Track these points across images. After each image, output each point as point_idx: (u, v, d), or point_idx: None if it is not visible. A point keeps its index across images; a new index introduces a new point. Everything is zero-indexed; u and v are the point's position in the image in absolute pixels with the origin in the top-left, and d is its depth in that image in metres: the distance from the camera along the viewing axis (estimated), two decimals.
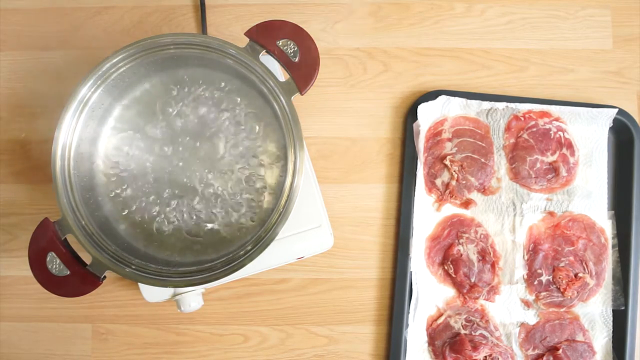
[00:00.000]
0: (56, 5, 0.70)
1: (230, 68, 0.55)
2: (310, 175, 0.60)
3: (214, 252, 0.55)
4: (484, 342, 0.62)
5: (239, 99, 0.57)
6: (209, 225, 0.56)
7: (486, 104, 0.66)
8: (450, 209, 0.66)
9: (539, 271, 0.64)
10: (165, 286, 0.52)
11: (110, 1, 0.70)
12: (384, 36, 0.69)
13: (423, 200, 0.66)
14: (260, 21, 0.53)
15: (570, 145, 0.66)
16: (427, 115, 0.66)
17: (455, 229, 0.65)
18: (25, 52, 0.70)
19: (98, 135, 0.56)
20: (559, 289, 0.64)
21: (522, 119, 0.66)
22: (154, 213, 0.56)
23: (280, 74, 0.60)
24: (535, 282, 0.64)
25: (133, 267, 0.52)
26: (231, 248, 0.54)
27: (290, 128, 0.52)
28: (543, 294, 0.64)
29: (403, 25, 0.70)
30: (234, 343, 0.66)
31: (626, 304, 0.63)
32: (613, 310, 0.64)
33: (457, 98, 0.66)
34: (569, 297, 0.64)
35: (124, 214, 0.56)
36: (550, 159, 0.66)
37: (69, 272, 0.50)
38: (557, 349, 0.63)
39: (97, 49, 0.69)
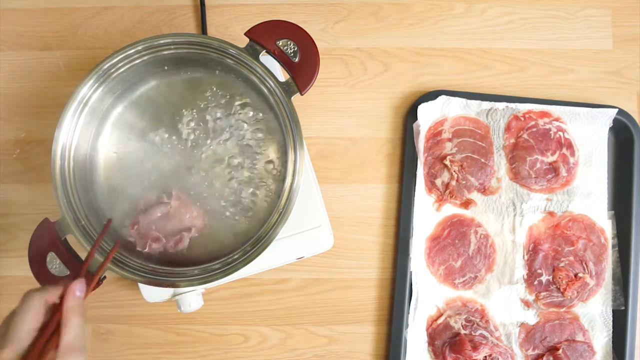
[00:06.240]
0: (56, 5, 0.70)
1: (230, 68, 0.55)
2: (310, 175, 0.60)
3: (214, 252, 0.55)
4: (484, 342, 0.62)
5: (238, 99, 0.57)
6: (210, 225, 0.56)
7: (486, 104, 0.66)
8: (450, 209, 0.66)
9: (539, 271, 0.64)
10: (165, 286, 0.52)
11: (110, 1, 0.70)
12: (384, 36, 0.69)
13: (423, 200, 0.66)
14: (260, 21, 0.53)
15: (570, 145, 0.66)
16: (427, 115, 0.66)
17: (455, 229, 0.65)
18: (25, 52, 0.70)
19: (98, 135, 0.56)
20: (559, 289, 0.64)
21: (522, 119, 0.66)
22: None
23: (280, 74, 0.60)
24: (535, 282, 0.64)
25: (133, 267, 0.52)
26: (231, 248, 0.54)
27: (290, 128, 0.52)
28: (543, 294, 0.64)
29: (403, 25, 0.70)
30: (234, 343, 0.66)
31: (626, 304, 0.63)
32: (613, 310, 0.64)
33: (457, 98, 0.66)
34: (569, 297, 0.64)
35: (124, 213, 0.56)
36: (550, 159, 0.66)
37: (69, 272, 0.50)
38: (557, 349, 0.63)
39: (97, 49, 0.69)
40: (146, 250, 0.53)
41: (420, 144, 0.65)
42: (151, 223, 0.54)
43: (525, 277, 0.64)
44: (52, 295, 0.38)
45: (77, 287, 0.39)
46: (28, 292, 0.37)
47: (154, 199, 0.55)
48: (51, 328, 0.36)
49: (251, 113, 0.57)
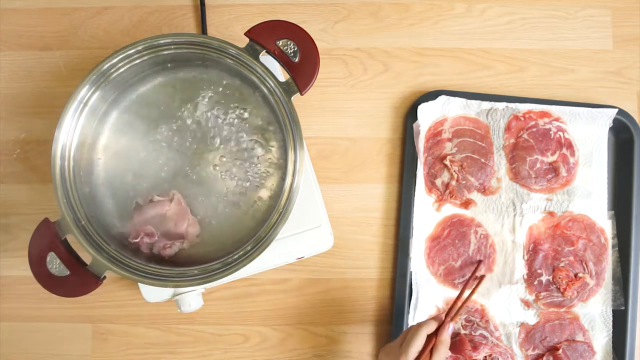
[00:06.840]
0: (56, 5, 0.70)
1: (230, 68, 0.55)
2: (310, 175, 0.60)
3: (214, 252, 0.55)
4: (484, 342, 0.62)
5: (238, 99, 0.57)
6: (210, 225, 0.56)
7: (486, 104, 0.66)
8: (450, 209, 0.66)
9: (539, 271, 0.64)
10: (165, 286, 0.52)
11: (110, 1, 0.70)
12: (384, 36, 0.69)
13: (423, 200, 0.66)
14: (260, 21, 0.53)
15: (570, 146, 0.66)
16: (427, 115, 0.66)
17: (455, 229, 0.65)
18: (25, 52, 0.70)
19: (98, 135, 0.56)
20: (559, 289, 0.64)
21: (522, 119, 0.66)
22: None
23: (280, 74, 0.60)
24: (535, 282, 0.64)
25: (133, 267, 0.52)
26: (231, 248, 0.54)
27: (290, 128, 0.52)
28: (543, 294, 0.64)
29: (403, 25, 0.70)
30: (234, 343, 0.66)
31: (626, 304, 0.63)
32: (613, 310, 0.64)
33: (457, 98, 0.66)
34: (569, 297, 0.64)
35: (123, 213, 0.56)
36: (550, 159, 0.66)
37: (69, 272, 0.50)
38: (557, 349, 0.63)
39: (97, 49, 0.69)
40: (136, 241, 0.53)
41: (420, 144, 0.65)
42: (148, 219, 0.54)
43: (525, 277, 0.64)
44: (432, 328, 0.54)
45: (449, 326, 0.55)
46: (419, 323, 0.54)
47: (152, 197, 0.55)
48: (426, 350, 0.53)
49: (251, 113, 0.57)
